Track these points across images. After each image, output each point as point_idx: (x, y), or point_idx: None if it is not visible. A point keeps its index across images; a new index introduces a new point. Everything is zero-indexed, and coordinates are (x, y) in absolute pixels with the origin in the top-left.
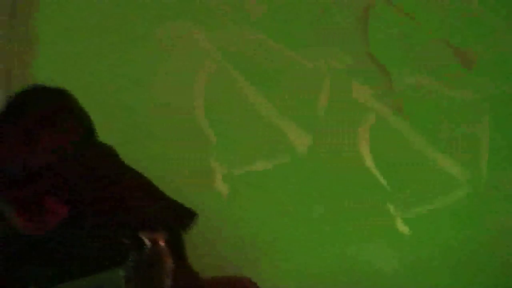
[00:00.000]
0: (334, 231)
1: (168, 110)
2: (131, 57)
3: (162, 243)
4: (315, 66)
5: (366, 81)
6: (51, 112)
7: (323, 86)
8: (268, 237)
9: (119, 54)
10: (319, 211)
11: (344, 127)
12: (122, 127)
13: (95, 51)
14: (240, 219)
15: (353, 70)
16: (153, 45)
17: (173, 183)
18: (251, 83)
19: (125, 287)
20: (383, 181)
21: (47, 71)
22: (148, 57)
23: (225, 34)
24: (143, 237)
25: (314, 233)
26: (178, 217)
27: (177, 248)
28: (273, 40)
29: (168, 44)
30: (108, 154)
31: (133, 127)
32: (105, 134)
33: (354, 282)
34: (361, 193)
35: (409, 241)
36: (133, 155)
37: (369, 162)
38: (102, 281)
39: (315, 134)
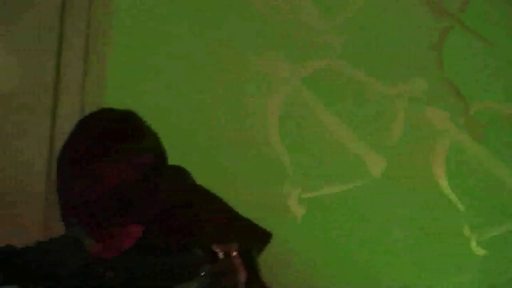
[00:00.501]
0: (410, 255)
1: (243, 133)
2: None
3: (235, 254)
4: (392, 91)
5: (442, 105)
6: (127, 133)
7: (399, 111)
8: (343, 260)
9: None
10: (395, 235)
11: (419, 151)
12: (192, 150)
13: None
14: (314, 242)
15: (429, 95)
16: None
17: (248, 205)
18: (327, 107)
19: None
20: (458, 204)
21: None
22: (223, 82)
23: (303, 60)
24: (216, 249)
25: (390, 257)
26: (254, 237)
27: (251, 265)
28: (351, 66)
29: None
30: (181, 174)
31: (207, 150)
32: (176, 157)
33: None
34: (436, 216)
35: (484, 263)
36: (205, 178)
37: (444, 185)
38: None
39: (390, 158)
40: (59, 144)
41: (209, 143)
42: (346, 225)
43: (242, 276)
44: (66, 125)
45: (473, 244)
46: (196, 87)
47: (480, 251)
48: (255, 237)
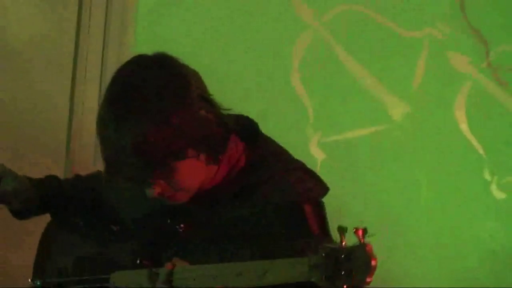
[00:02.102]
0: (431, 197)
1: (266, 76)
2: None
3: (367, 240)
4: (414, 35)
5: (463, 50)
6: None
7: (421, 55)
8: (363, 204)
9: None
10: (416, 179)
11: (441, 95)
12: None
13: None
14: (334, 185)
15: (451, 39)
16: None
17: None
18: (349, 52)
19: (312, 275)
20: (479, 148)
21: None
22: (245, 27)
23: (325, 5)
24: (340, 230)
25: (411, 201)
26: (322, 188)
27: (323, 217)
28: (374, 11)
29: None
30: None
31: (229, 94)
32: None
33: (451, 245)
34: (457, 160)
35: (504, 206)
36: None
37: (465, 129)
38: (286, 266)
39: (412, 102)
40: (80, 89)
41: (231, 87)
42: (366, 170)
43: (374, 264)
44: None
45: (494, 187)
46: (218, 33)
47: (500, 195)
48: (323, 188)
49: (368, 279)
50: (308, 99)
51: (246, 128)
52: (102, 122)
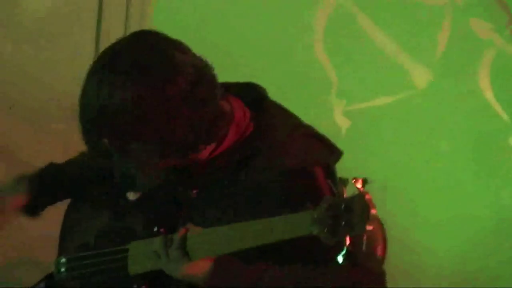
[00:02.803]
0: (454, 165)
1: (290, 45)
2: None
3: (363, 190)
4: (437, 2)
5: (486, 16)
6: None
7: (444, 22)
8: (386, 171)
9: None
10: (441, 147)
11: (464, 63)
12: (240, 63)
13: None
14: (358, 152)
15: (474, 6)
16: None
17: None
18: (372, 20)
19: (314, 229)
20: (503, 115)
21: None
22: None
23: None
24: (341, 182)
25: (436, 168)
26: (333, 152)
27: (335, 180)
28: None
29: None
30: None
31: (254, 62)
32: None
33: (472, 212)
34: (481, 127)
35: None
36: None
37: (489, 96)
38: (291, 222)
39: (435, 70)
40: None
41: (255, 57)
42: (390, 137)
43: (374, 212)
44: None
45: None
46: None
47: None
48: (334, 152)
49: (367, 227)
50: (331, 68)
51: (253, 96)
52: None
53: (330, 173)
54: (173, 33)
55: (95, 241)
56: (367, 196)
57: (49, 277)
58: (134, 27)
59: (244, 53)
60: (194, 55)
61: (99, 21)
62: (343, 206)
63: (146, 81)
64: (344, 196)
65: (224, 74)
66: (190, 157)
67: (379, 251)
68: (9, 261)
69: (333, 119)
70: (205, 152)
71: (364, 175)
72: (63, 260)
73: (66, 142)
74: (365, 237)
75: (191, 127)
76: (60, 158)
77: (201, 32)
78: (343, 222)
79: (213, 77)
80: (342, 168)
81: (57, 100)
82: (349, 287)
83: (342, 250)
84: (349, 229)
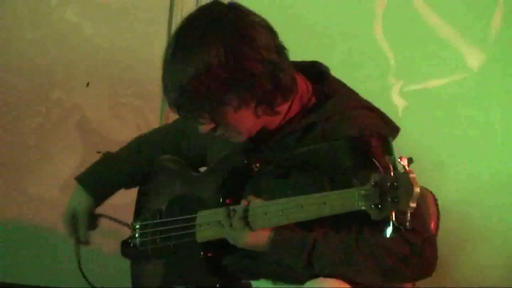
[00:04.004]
0: (507, 146)
1: (349, 26)
2: None
3: (409, 168)
4: None
5: None
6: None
7: (498, 4)
8: (442, 151)
9: None
10: (495, 128)
11: None
12: (301, 43)
13: None
14: (414, 132)
15: None
16: None
17: None
18: (428, 2)
19: (362, 205)
20: None
21: None
22: None
23: None
24: (401, 162)
25: (488, 148)
26: (390, 127)
27: (391, 152)
28: None
29: None
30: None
31: (314, 41)
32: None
33: None
34: None
35: None
36: None
37: None
38: (341, 197)
39: (489, 52)
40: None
41: (316, 36)
42: (445, 118)
43: (417, 190)
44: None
45: None
46: None
47: None
48: (391, 127)
49: (411, 204)
50: (389, 49)
51: (316, 72)
52: (162, 61)
53: (386, 145)
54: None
55: (167, 208)
56: (411, 175)
57: (125, 242)
58: None
59: (305, 32)
60: (262, 18)
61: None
62: (389, 183)
63: (221, 43)
64: (391, 174)
65: (289, 53)
66: (277, 112)
67: (432, 226)
68: None
69: (390, 99)
70: (276, 119)
71: (418, 154)
72: (137, 225)
73: (141, 118)
74: (409, 214)
75: (272, 76)
76: (135, 132)
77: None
78: (389, 199)
79: (284, 50)
80: (397, 147)
81: (133, 77)
82: (403, 249)
83: (389, 225)
84: (394, 205)
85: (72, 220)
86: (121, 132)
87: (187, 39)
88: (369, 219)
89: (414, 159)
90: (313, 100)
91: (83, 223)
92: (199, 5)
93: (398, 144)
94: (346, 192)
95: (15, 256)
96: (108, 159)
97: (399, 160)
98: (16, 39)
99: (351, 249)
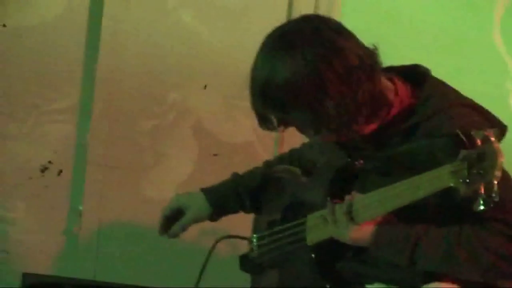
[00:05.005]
0: None
1: (467, 31)
2: None
3: (494, 139)
4: None
5: None
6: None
7: None
8: None
9: None
10: None
11: None
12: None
13: None
14: None
15: None
16: None
17: None
18: None
19: (451, 181)
20: None
21: None
22: None
23: None
24: (475, 135)
25: None
26: (498, 126)
27: None
28: None
29: None
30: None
31: (429, 46)
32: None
33: None
34: None
35: None
36: None
37: None
38: (432, 177)
39: None
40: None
41: (430, 42)
42: None
43: (501, 159)
44: None
45: None
46: None
47: None
48: (495, 124)
49: (497, 173)
50: (507, 54)
51: (414, 74)
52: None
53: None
54: (360, 22)
55: (281, 217)
56: (495, 145)
57: (244, 256)
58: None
59: (426, 38)
60: (357, 42)
61: (290, 4)
62: (475, 155)
63: (304, 60)
64: (477, 147)
65: (405, 59)
66: (345, 133)
67: None
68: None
69: (508, 104)
70: (363, 128)
71: None
72: (255, 237)
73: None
74: (496, 184)
75: (341, 106)
76: (250, 135)
77: (383, 23)
78: (475, 171)
79: (373, 64)
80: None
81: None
82: (504, 246)
83: (479, 198)
84: (481, 177)
85: (174, 213)
86: (236, 135)
87: (285, 44)
88: (470, 214)
89: None
90: (414, 102)
91: (186, 222)
92: (318, 4)
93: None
94: (436, 171)
95: (131, 259)
96: (235, 179)
97: (486, 133)
98: (133, 42)
99: (453, 246)
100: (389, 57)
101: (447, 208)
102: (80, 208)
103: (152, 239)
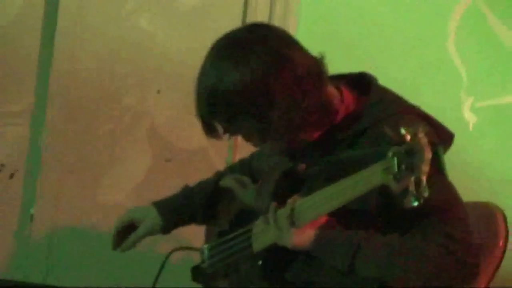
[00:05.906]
0: None
1: (422, 42)
2: None
3: (421, 134)
4: None
5: None
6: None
7: None
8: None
9: None
10: None
11: None
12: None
13: None
14: (486, 146)
15: None
16: None
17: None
18: (501, 19)
19: (383, 178)
20: None
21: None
22: None
23: None
24: (403, 130)
25: None
26: (441, 134)
27: (437, 160)
28: None
29: None
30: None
31: (387, 55)
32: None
33: None
34: None
35: None
36: None
37: None
38: (368, 174)
39: None
40: None
41: (390, 49)
42: None
43: (428, 154)
44: None
45: None
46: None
47: None
48: (442, 134)
49: (424, 168)
50: (462, 65)
51: (361, 81)
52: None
53: (435, 151)
54: (316, 25)
55: (231, 225)
56: (423, 140)
57: (195, 268)
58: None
59: (379, 46)
60: (304, 52)
61: (245, 9)
62: (403, 151)
63: (250, 69)
64: (405, 143)
65: (357, 66)
66: (291, 142)
67: (500, 244)
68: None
69: (461, 114)
70: (310, 135)
71: (489, 171)
72: (205, 248)
73: None
74: (424, 179)
75: (287, 115)
76: (204, 141)
77: (341, 25)
78: (404, 167)
79: (320, 73)
80: (467, 162)
81: None
82: (443, 256)
83: (408, 195)
84: (410, 173)
85: (126, 228)
86: (190, 141)
87: (230, 52)
88: (413, 222)
89: (483, 175)
90: (360, 108)
91: (139, 236)
92: (273, 8)
93: (468, 160)
94: (371, 168)
95: (82, 263)
96: (186, 192)
97: (413, 129)
98: (88, 45)
99: (394, 253)
100: (344, 60)
101: (389, 213)
102: (32, 211)
103: (105, 244)
